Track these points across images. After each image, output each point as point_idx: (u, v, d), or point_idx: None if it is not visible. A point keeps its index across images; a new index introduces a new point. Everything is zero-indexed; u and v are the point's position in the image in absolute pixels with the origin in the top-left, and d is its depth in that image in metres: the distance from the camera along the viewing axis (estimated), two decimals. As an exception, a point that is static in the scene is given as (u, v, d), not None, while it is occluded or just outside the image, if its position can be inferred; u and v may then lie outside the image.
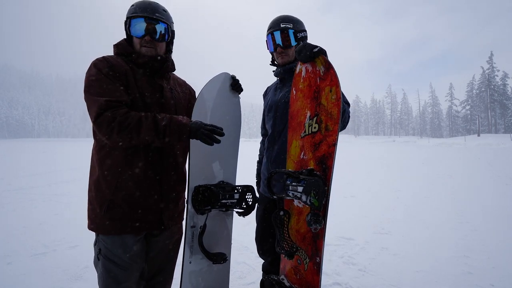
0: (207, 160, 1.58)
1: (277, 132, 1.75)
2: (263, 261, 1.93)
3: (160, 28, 1.41)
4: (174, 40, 1.56)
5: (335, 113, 1.31)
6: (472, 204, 5.09)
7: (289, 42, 1.68)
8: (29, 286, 2.32)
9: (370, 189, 6.55)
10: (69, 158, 15.14)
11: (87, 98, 1.29)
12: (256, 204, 1.61)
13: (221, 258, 1.52)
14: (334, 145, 1.30)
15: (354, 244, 3.25)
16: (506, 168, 10.09)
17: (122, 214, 1.32)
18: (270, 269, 1.84)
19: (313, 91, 1.44)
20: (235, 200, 1.54)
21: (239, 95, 1.74)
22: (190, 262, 1.51)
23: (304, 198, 1.30)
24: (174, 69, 1.56)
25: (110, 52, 1.47)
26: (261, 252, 1.88)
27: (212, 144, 1.31)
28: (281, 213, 1.48)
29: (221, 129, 1.33)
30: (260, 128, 2.07)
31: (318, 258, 1.34)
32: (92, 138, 1.40)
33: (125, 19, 1.44)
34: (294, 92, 1.59)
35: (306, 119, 1.47)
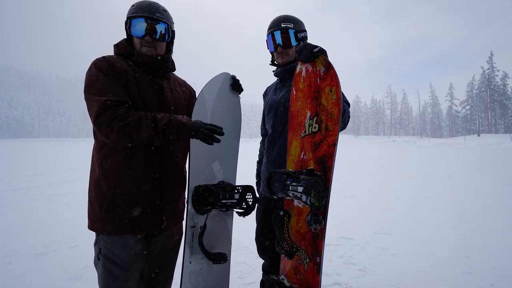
0: (207, 160, 1.58)
1: (277, 132, 1.75)
2: (263, 261, 1.93)
3: (160, 28, 1.42)
4: (174, 40, 1.57)
5: (335, 113, 1.31)
6: (472, 204, 5.09)
7: (289, 42, 1.68)
8: (29, 286, 2.32)
9: (370, 189, 6.55)
10: (69, 158, 15.14)
11: (87, 98, 1.29)
12: (256, 204, 1.61)
13: (221, 258, 1.52)
14: (334, 145, 1.30)
15: (354, 244, 3.25)
16: (506, 168, 10.09)
17: (122, 214, 1.32)
18: (270, 269, 1.84)
19: (313, 91, 1.44)
20: (235, 200, 1.54)
21: (239, 95, 1.74)
22: (190, 262, 1.51)
23: (304, 198, 1.30)
24: (174, 69, 1.56)
25: (110, 52, 1.47)
26: (261, 252, 1.88)
27: (212, 144, 1.31)
28: (281, 213, 1.48)
29: (221, 128, 1.33)
30: (260, 128, 2.07)
31: (318, 258, 1.34)
32: (92, 138, 1.41)
33: (125, 19, 1.44)
34: (294, 92, 1.59)
35: (306, 119, 1.47)
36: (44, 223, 3.93)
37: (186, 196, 1.51)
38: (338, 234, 3.53)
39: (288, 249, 1.43)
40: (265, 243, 1.82)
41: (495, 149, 22.99)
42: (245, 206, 1.57)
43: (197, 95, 1.57)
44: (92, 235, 1.39)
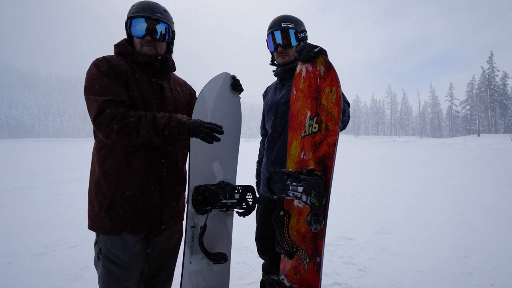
0: (207, 160, 1.58)
1: (277, 132, 1.75)
2: (263, 261, 1.93)
3: (160, 28, 1.42)
4: (174, 40, 1.57)
5: (335, 113, 1.31)
6: (472, 204, 5.09)
7: (289, 42, 1.68)
8: (29, 286, 2.32)
9: (370, 189, 6.55)
10: (69, 158, 15.14)
11: (87, 98, 1.29)
12: (256, 204, 1.61)
13: (221, 258, 1.52)
14: (334, 145, 1.30)
15: (354, 244, 3.25)
16: (506, 168, 10.09)
17: (122, 214, 1.32)
18: (270, 269, 1.84)
19: (313, 91, 1.44)
20: (236, 200, 1.54)
21: (240, 95, 1.74)
22: (190, 262, 1.51)
23: (304, 198, 1.30)
24: (174, 69, 1.56)
25: (110, 52, 1.47)
26: (261, 252, 1.88)
27: (211, 142, 1.31)
28: (281, 213, 1.48)
29: (221, 127, 1.33)
30: (260, 128, 2.07)
31: (318, 258, 1.34)
32: (93, 138, 1.41)
33: (125, 19, 1.44)
34: (295, 92, 1.59)
35: (307, 119, 1.47)
36: (44, 223, 3.93)
37: (186, 196, 1.51)
38: (338, 234, 3.53)
39: (288, 249, 1.43)
40: (265, 243, 1.82)
41: (495, 149, 22.99)
42: (245, 206, 1.57)
43: (197, 95, 1.57)
44: (92, 235, 1.38)
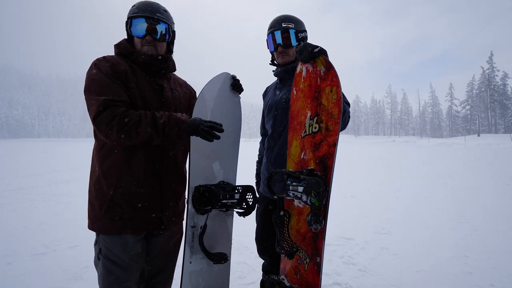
0: (207, 160, 1.58)
1: (277, 132, 1.75)
2: (263, 261, 1.93)
3: (161, 28, 1.42)
4: (175, 41, 1.57)
5: (335, 113, 1.31)
6: (472, 204, 5.09)
7: (290, 42, 1.68)
8: (29, 286, 2.32)
9: (370, 189, 6.55)
10: (69, 158, 15.14)
11: (87, 98, 1.29)
12: (256, 204, 1.61)
13: (222, 258, 1.52)
14: (334, 145, 1.30)
15: (354, 244, 3.25)
16: (506, 168, 10.09)
17: (122, 214, 1.32)
18: (270, 269, 1.84)
19: (313, 91, 1.44)
20: (236, 200, 1.54)
21: (240, 95, 1.74)
22: (190, 262, 1.51)
23: (304, 198, 1.30)
24: (175, 69, 1.56)
25: (110, 52, 1.47)
26: (261, 252, 1.88)
27: (212, 140, 1.31)
28: (282, 213, 1.48)
29: (221, 125, 1.33)
30: (259, 128, 2.07)
31: (318, 258, 1.34)
32: (92, 138, 1.41)
33: (126, 19, 1.44)
34: (295, 92, 1.59)
35: (307, 119, 1.47)
36: (44, 223, 3.93)
37: (186, 196, 1.52)
38: (338, 234, 3.53)
39: (288, 249, 1.43)
40: (265, 243, 1.82)
41: (495, 149, 22.99)
42: (245, 206, 1.57)
43: (197, 95, 1.58)
44: (92, 235, 1.38)
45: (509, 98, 51.99)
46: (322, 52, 1.35)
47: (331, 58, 1.36)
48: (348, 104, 1.58)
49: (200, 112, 1.53)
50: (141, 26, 1.39)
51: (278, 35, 1.68)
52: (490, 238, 3.40)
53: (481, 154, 17.60)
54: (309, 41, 1.75)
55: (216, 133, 1.31)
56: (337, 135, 1.29)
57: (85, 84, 1.30)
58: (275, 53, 1.77)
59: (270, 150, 1.79)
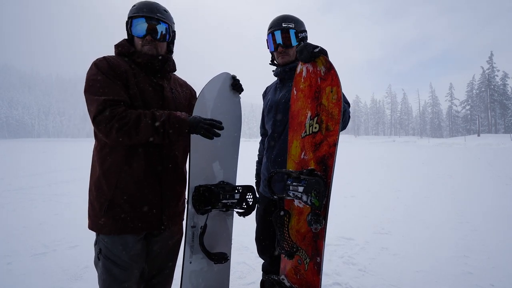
0: (207, 160, 1.58)
1: (277, 132, 1.75)
2: (263, 261, 1.93)
3: (161, 28, 1.42)
4: (175, 41, 1.57)
5: (336, 113, 1.31)
6: (472, 204, 5.09)
7: (290, 42, 1.68)
8: (29, 286, 2.32)
9: (370, 189, 6.55)
10: (69, 158, 15.14)
11: (87, 98, 1.29)
12: (256, 204, 1.61)
13: (222, 258, 1.52)
14: (335, 145, 1.30)
15: (354, 244, 3.25)
16: (506, 168, 10.09)
17: (122, 214, 1.32)
18: (270, 269, 1.84)
19: (313, 91, 1.44)
20: (236, 200, 1.54)
21: (240, 95, 1.74)
22: (190, 262, 1.51)
23: (304, 198, 1.30)
24: (175, 69, 1.56)
25: (109, 52, 1.47)
26: (261, 252, 1.88)
27: (212, 138, 1.31)
28: (282, 213, 1.48)
29: (220, 122, 1.32)
30: (259, 128, 2.07)
31: (318, 258, 1.34)
32: (92, 138, 1.41)
33: (126, 19, 1.44)
34: (295, 92, 1.59)
35: (307, 119, 1.47)
36: (44, 223, 3.93)
37: (186, 196, 1.51)
38: (338, 234, 3.53)
39: (289, 249, 1.43)
40: (265, 243, 1.82)
41: (495, 149, 22.99)
42: (245, 206, 1.57)
43: (197, 95, 1.58)
44: (92, 235, 1.39)
45: (509, 98, 51.98)
46: (323, 52, 1.35)
47: (331, 58, 1.36)
48: (348, 104, 1.58)
49: (200, 112, 1.53)
50: (141, 26, 1.39)
51: (278, 35, 1.68)
52: (490, 238, 3.40)
53: (481, 154, 17.60)
54: (309, 41, 1.75)
55: (216, 130, 1.31)
56: (337, 135, 1.29)
57: (85, 84, 1.30)
58: (275, 53, 1.77)
59: (270, 150, 1.79)
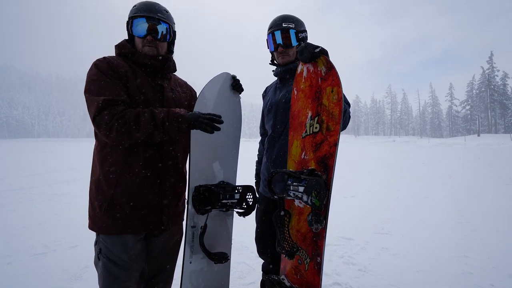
0: (207, 160, 1.58)
1: (277, 132, 1.75)
2: (263, 261, 1.93)
3: (161, 28, 1.42)
4: (175, 41, 1.57)
5: (336, 113, 1.31)
6: (472, 204, 5.09)
7: (290, 42, 1.68)
8: (29, 286, 2.32)
9: (370, 189, 6.55)
10: (69, 158, 15.14)
11: (87, 98, 1.29)
12: (256, 204, 1.61)
13: (222, 258, 1.52)
14: (335, 145, 1.30)
15: (354, 244, 3.25)
16: (506, 168, 10.09)
17: (122, 214, 1.32)
18: (270, 269, 1.84)
19: (314, 91, 1.44)
20: (236, 200, 1.54)
21: (240, 95, 1.74)
22: (190, 262, 1.51)
23: (305, 198, 1.30)
24: (175, 70, 1.56)
25: (110, 52, 1.48)
26: (261, 252, 1.88)
27: (212, 132, 1.30)
28: (282, 213, 1.48)
29: (220, 116, 1.32)
30: (259, 128, 2.07)
31: (318, 258, 1.34)
32: (93, 138, 1.41)
33: (127, 19, 1.44)
34: (295, 92, 1.59)
35: (307, 119, 1.47)
36: (44, 223, 3.93)
37: (186, 196, 1.51)
38: (338, 234, 3.53)
39: (289, 249, 1.43)
40: (265, 243, 1.82)
41: (495, 149, 22.99)
42: (245, 206, 1.57)
43: (197, 95, 1.58)
44: (92, 235, 1.38)
45: (509, 98, 51.99)
46: (323, 52, 1.35)
47: (331, 58, 1.36)
48: (349, 104, 1.58)
49: (200, 111, 1.53)
50: (142, 26, 1.39)
51: (278, 35, 1.68)
52: (490, 238, 3.40)
53: (481, 154, 17.60)
54: (309, 41, 1.75)
55: (216, 125, 1.31)
56: (338, 135, 1.29)
57: (86, 85, 1.31)
58: (275, 53, 1.77)
59: (270, 150, 1.78)
